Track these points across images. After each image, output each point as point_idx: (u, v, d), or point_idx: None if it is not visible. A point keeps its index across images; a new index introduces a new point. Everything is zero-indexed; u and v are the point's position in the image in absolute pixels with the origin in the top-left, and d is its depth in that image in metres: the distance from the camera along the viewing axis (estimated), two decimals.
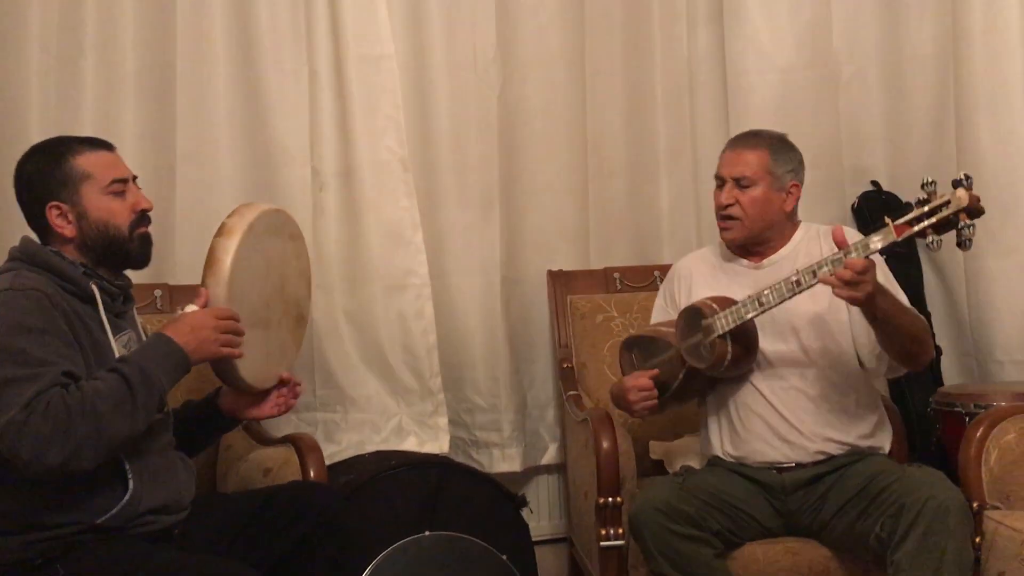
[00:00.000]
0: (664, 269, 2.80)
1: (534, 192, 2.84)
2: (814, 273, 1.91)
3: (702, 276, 2.26)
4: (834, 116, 2.87)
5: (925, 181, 1.81)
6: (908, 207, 2.74)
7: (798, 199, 2.20)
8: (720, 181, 2.20)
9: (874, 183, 2.89)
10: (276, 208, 2.02)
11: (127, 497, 1.72)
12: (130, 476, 1.73)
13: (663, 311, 2.33)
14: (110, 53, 2.54)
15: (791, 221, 2.22)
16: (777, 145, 2.20)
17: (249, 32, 2.63)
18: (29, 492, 1.67)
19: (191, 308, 1.80)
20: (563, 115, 2.84)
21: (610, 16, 2.89)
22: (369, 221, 2.66)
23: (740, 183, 2.15)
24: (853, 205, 2.88)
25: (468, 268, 2.77)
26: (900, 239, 1.82)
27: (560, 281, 2.80)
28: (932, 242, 1.80)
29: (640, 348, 2.23)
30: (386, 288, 2.67)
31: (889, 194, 2.87)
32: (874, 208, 2.83)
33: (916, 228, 1.80)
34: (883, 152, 2.90)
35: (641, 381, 2.14)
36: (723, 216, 2.18)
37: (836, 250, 1.89)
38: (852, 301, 1.89)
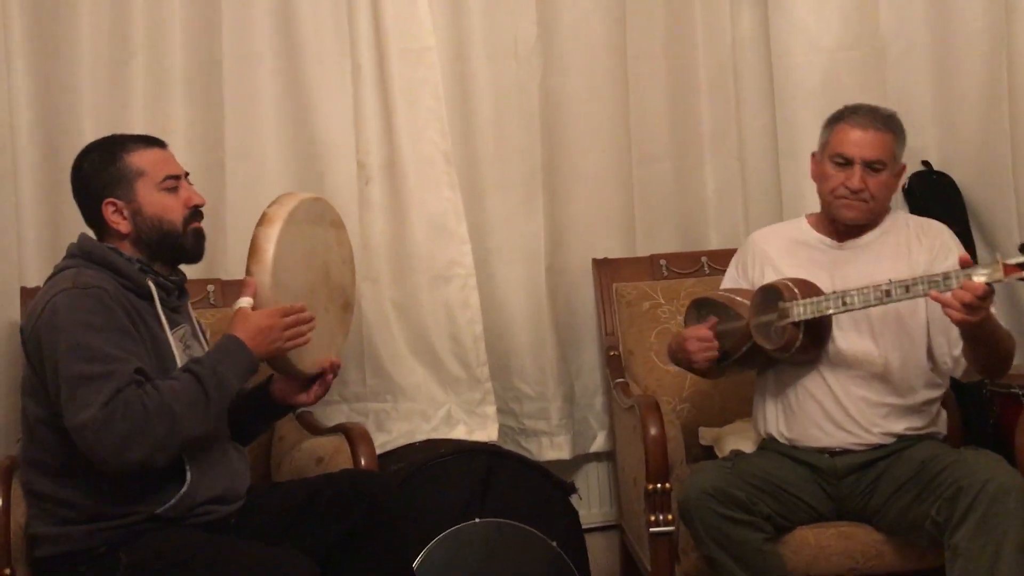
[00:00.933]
0: (711, 254, 2.79)
1: (577, 180, 2.83)
2: (907, 288, 1.87)
3: (778, 250, 2.22)
4: (882, 96, 2.80)
5: None
6: (959, 196, 2.73)
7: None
8: (844, 160, 2.08)
9: (925, 163, 2.83)
10: (316, 196, 2.05)
11: (185, 488, 1.77)
12: (188, 468, 1.78)
13: (734, 281, 2.30)
14: (158, 54, 2.58)
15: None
16: (899, 129, 2.14)
17: (292, 28, 2.65)
18: (94, 485, 1.73)
19: (245, 301, 1.84)
20: (605, 101, 2.83)
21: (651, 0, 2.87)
22: (413, 213, 2.68)
23: (873, 166, 2.08)
24: (904, 186, 2.82)
25: (512, 258, 2.78)
26: (1007, 280, 1.76)
27: (605, 269, 2.79)
28: None
29: (709, 310, 2.20)
30: (432, 279, 2.69)
31: (941, 174, 2.81)
32: (925, 189, 2.78)
33: None
34: (934, 131, 2.84)
35: (701, 331, 2.12)
36: (851, 199, 2.09)
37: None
38: (963, 324, 1.83)
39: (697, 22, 2.90)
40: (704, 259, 2.78)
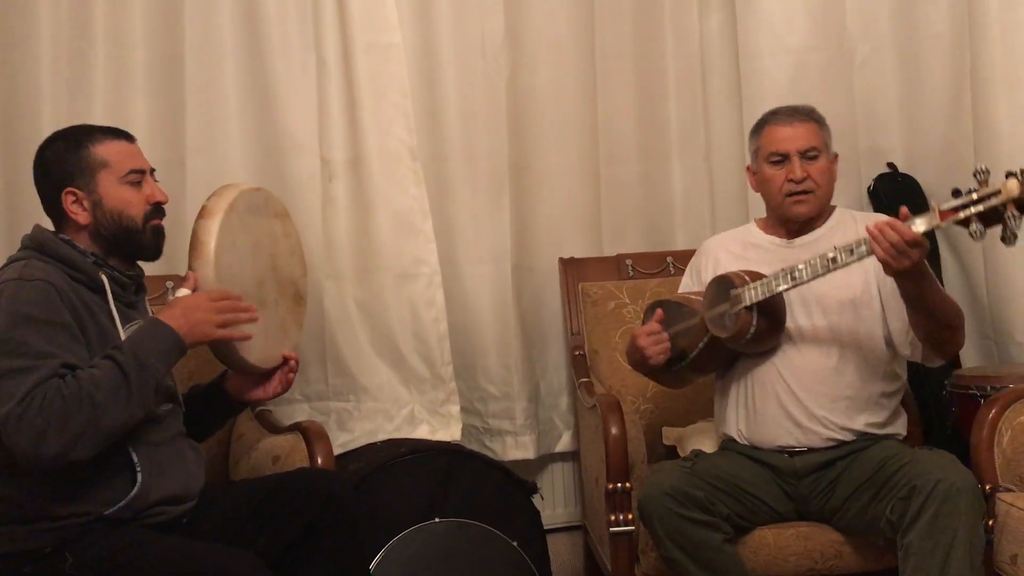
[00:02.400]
0: (677, 255, 2.79)
1: (544, 179, 2.83)
2: (851, 251, 1.88)
3: (729, 253, 2.24)
4: (849, 97, 2.83)
5: (978, 169, 1.76)
6: (923, 197, 2.75)
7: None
8: (781, 157, 2.13)
9: (890, 165, 2.85)
10: (256, 187, 2.02)
11: (135, 490, 1.74)
12: (139, 469, 1.75)
13: (688, 287, 2.31)
14: (119, 46, 2.55)
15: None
16: (821, 119, 2.19)
17: (256, 22, 2.63)
18: (38, 483, 1.69)
19: (183, 292, 1.81)
20: (573, 101, 2.83)
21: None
22: (379, 210, 2.66)
23: (807, 155, 2.12)
24: (869, 188, 2.83)
25: (479, 256, 2.77)
26: (944, 225, 1.77)
27: (572, 268, 2.79)
28: (975, 231, 1.74)
29: (665, 312, 2.21)
30: (397, 277, 2.67)
31: (905, 176, 2.82)
32: (890, 190, 2.79)
33: (962, 215, 1.75)
34: (899, 133, 2.85)
35: (649, 325, 2.12)
36: (799, 191, 2.12)
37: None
38: (892, 269, 1.83)
39: (665, 22, 2.90)
40: (670, 259, 2.78)
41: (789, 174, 2.11)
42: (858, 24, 2.84)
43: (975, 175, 1.76)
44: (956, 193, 1.78)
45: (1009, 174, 1.73)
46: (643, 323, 2.29)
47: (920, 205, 2.78)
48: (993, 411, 2.01)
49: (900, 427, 2.14)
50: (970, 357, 2.69)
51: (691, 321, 2.14)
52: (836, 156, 2.19)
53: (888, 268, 1.84)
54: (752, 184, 2.24)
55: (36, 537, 1.71)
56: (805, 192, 2.12)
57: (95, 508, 1.72)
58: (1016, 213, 1.72)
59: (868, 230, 1.83)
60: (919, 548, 1.81)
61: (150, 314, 1.97)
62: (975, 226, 1.75)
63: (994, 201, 1.73)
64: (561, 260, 2.80)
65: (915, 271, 1.84)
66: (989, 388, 2.24)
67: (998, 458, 1.98)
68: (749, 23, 2.81)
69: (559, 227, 2.84)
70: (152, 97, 2.60)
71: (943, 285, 2.71)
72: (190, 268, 1.83)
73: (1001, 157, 2.55)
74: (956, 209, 1.76)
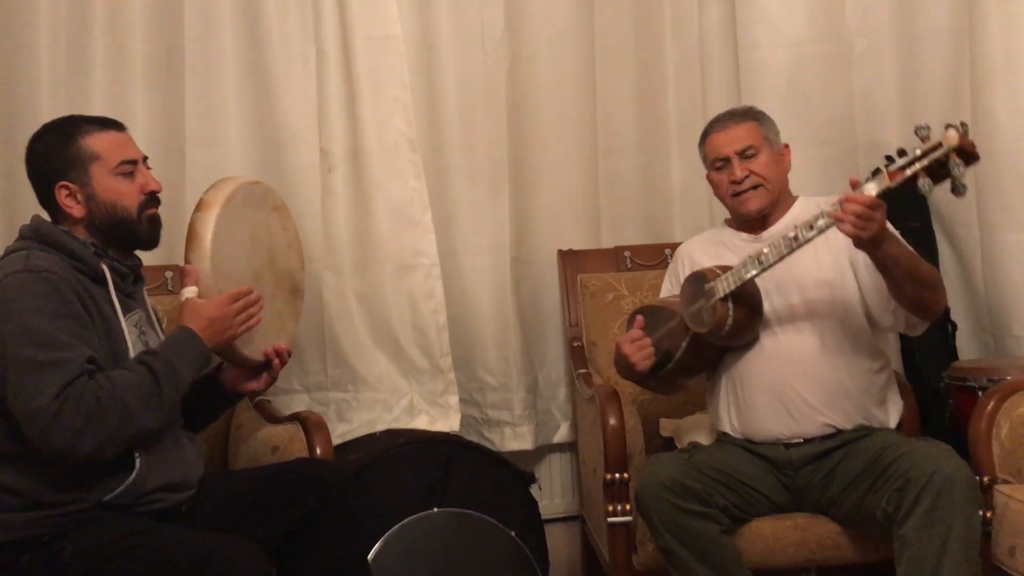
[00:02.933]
0: (675, 247, 2.77)
1: (543, 171, 2.83)
2: (811, 226, 1.91)
3: (703, 254, 2.27)
4: (847, 90, 2.83)
5: (919, 126, 1.79)
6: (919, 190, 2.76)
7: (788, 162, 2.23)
8: (722, 163, 2.20)
9: (888, 158, 2.82)
10: (255, 180, 2.02)
11: (133, 476, 1.74)
12: (137, 456, 1.75)
13: (668, 292, 2.33)
14: (119, 36, 2.55)
15: (787, 189, 2.24)
16: (758, 114, 2.23)
17: (256, 13, 2.63)
18: (37, 471, 1.70)
19: (190, 291, 1.82)
20: (572, 93, 2.83)
21: None
22: (378, 202, 2.66)
23: (745, 154, 2.16)
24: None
25: (478, 248, 2.77)
26: (894, 184, 1.80)
27: (570, 260, 2.79)
28: (924, 185, 1.78)
29: (647, 318, 2.22)
30: (396, 269, 2.67)
31: None
32: None
33: (908, 172, 1.79)
34: (897, 127, 2.84)
35: (631, 332, 2.14)
36: (743, 189, 2.17)
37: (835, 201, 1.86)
38: (859, 241, 1.85)
39: (665, 14, 2.90)
40: (668, 251, 2.77)
41: (731, 176, 2.16)
42: (857, 17, 2.83)
43: (916, 132, 1.79)
44: (901, 152, 1.82)
45: (948, 125, 1.77)
46: (626, 331, 2.31)
47: (917, 200, 2.78)
48: (991, 403, 2.02)
49: (894, 415, 2.15)
50: (967, 350, 2.70)
51: (672, 322, 2.15)
52: (786, 146, 2.22)
53: (859, 242, 1.86)
54: (714, 192, 2.28)
55: (34, 525, 1.71)
56: (753, 187, 2.17)
57: (94, 494, 1.73)
58: (960, 162, 1.76)
59: (828, 213, 1.86)
60: (915, 539, 1.81)
61: (148, 304, 1.98)
62: (923, 180, 1.78)
63: (937, 154, 1.76)
64: (560, 252, 2.81)
65: (883, 237, 1.85)
66: (987, 380, 2.25)
67: (996, 450, 1.98)
68: (748, 15, 2.80)
69: (558, 219, 2.84)
70: (151, 88, 2.60)
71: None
72: (187, 261, 1.84)
73: (1000, 149, 2.56)
74: (903, 168, 1.79)
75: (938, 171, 1.77)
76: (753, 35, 2.80)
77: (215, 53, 2.62)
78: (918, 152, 1.78)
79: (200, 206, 1.86)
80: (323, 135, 2.66)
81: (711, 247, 2.27)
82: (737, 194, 2.18)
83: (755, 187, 2.16)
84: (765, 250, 1.98)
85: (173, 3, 2.59)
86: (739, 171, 2.16)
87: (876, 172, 1.83)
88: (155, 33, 2.59)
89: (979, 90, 2.63)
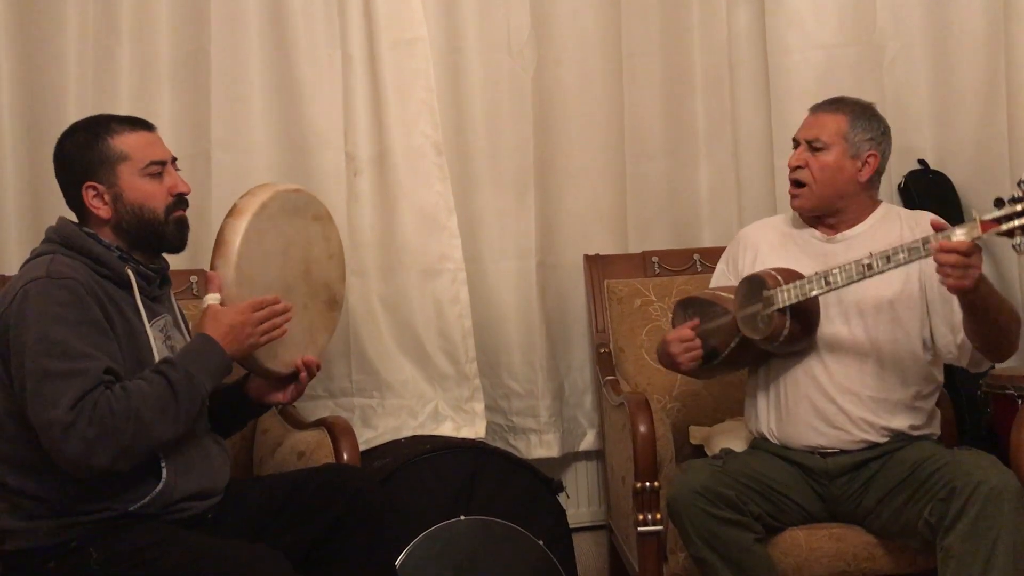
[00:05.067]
0: (704, 252, 2.76)
1: (570, 175, 2.80)
2: (888, 258, 1.83)
3: (769, 244, 2.20)
4: (879, 94, 2.77)
5: (1022, 180, 1.70)
6: (954, 194, 2.70)
7: (876, 171, 2.13)
8: (795, 144, 2.14)
9: (921, 162, 2.81)
10: (296, 188, 1.97)
11: (160, 487, 1.73)
12: (163, 465, 1.73)
13: (723, 276, 2.27)
14: (145, 40, 2.56)
15: (868, 195, 2.15)
16: (858, 111, 2.13)
17: (282, 17, 2.62)
18: (64, 480, 1.68)
19: (212, 298, 1.78)
20: (599, 97, 2.80)
21: None
22: (403, 206, 2.64)
23: (813, 145, 2.10)
24: (899, 185, 2.79)
25: (503, 253, 2.74)
26: (984, 235, 1.72)
27: (597, 265, 2.76)
28: (1019, 244, 1.69)
29: (695, 309, 2.18)
30: (421, 273, 2.65)
31: (937, 173, 2.78)
32: (921, 188, 2.75)
33: (1004, 227, 1.69)
34: (930, 130, 2.81)
35: (682, 332, 2.09)
36: (792, 181, 2.12)
37: (917, 236, 1.81)
38: (958, 288, 1.78)
39: (693, 17, 2.87)
40: (696, 256, 2.75)
41: (790, 160, 2.13)
42: (889, 20, 2.80)
43: (1020, 184, 1.70)
44: (999, 203, 1.72)
45: None
46: (672, 321, 2.27)
47: (952, 202, 2.73)
48: None
49: (935, 426, 2.11)
50: None
51: (722, 320, 2.11)
52: (870, 155, 2.10)
53: (960, 288, 1.78)
54: None
55: (61, 532, 1.70)
56: (797, 184, 2.11)
57: (121, 504, 1.71)
58: None
59: (934, 256, 1.76)
60: (960, 551, 1.77)
61: (176, 307, 1.96)
62: (1019, 239, 1.69)
63: None
64: (586, 257, 2.78)
65: (979, 281, 1.78)
66: None
67: None
68: (778, 18, 2.77)
69: (584, 224, 2.81)
70: (177, 92, 2.60)
71: None
72: (212, 267, 1.80)
73: None
74: (998, 220, 1.71)
75: None
76: (783, 38, 2.77)
77: (241, 57, 2.61)
78: (1019, 208, 1.69)
79: (232, 212, 1.82)
80: (349, 139, 2.65)
81: (778, 239, 2.20)
82: (790, 183, 2.13)
83: (799, 184, 2.10)
84: (835, 271, 1.91)
85: (199, 7, 2.59)
86: (794, 159, 2.11)
87: (957, 204, 1.76)
88: (181, 37, 2.59)
89: (1015, 94, 2.58)
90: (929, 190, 2.73)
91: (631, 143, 2.84)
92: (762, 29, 2.82)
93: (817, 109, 2.15)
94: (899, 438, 2.04)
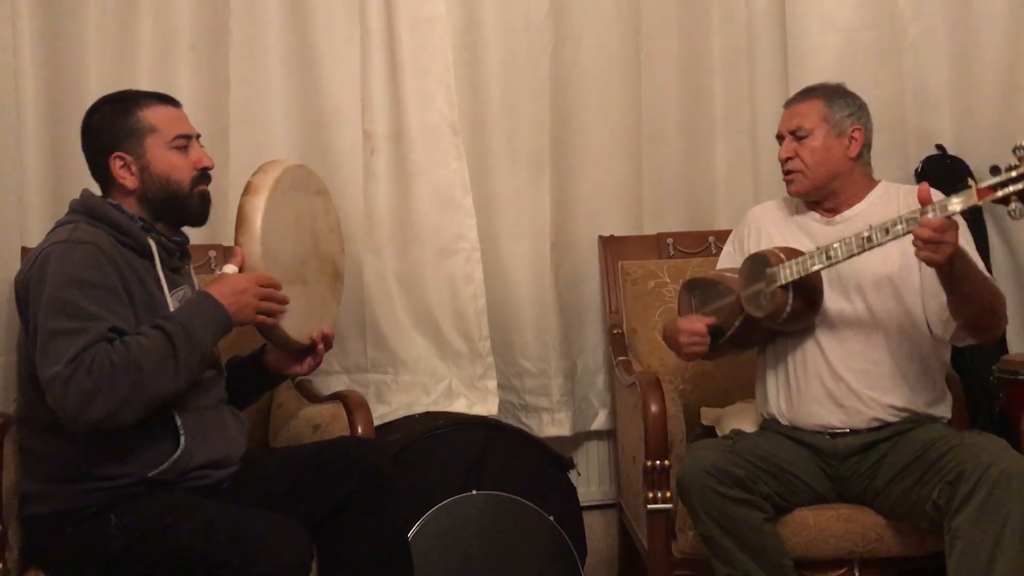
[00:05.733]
0: (719, 234, 2.76)
1: (586, 156, 2.80)
2: (887, 230, 1.84)
3: (775, 225, 2.23)
4: (898, 77, 2.78)
5: (1017, 145, 1.71)
6: (968, 172, 2.69)
7: (865, 145, 2.15)
8: (779, 139, 2.19)
9: (939, 147, 2.79)
10: (299, 164, 2.03)
11: (178, 453, 1.76)
12: (182, 432, 1.77)
13: (731, 257, 2.29)
14: (165, 17, 2.57)
15: (862, 172, 2.16)
16: (832, 92, 2.16)
17: None
18: (84, 445, 1.72)
19: (230, 268, 1.82)
20: (617, 77, 2.79)
21: None
22: (419, 184, 2.65)
23: (797, 135, 2.13)
24: (916, 169, 2.78)
25: (518, 232, 2.75)
26: (982, 202, 1.73)
27: (611, 246, 2.77)
28: (1014, 210, 1.71)
29: (700, 290, 2.20)
30: (436, 252, 2.66)
31: (954, 158, 2.77)
32: (938, 172, 2.74)
33: (1000, 193, 1.70)
34: (949, 115, 2.79)
35: (696, 326, 2.11)
36: (785, 171, 2.16)
37: (915, 208, 1.83)
38: (930, 262, 1.81)
39: None
40: (711, 239, 2.75)
41: (779, 155, 2.17)
42: (910, 3, 2.78)
43: (1014, 151, 1.72)
44: (995, 170, 1.74)
45: None
46: (679, 304, 2.28)
47: (964, 183, 2.72)
48: None
49: (945, 408, 2.11)
50: (1017, 342, 2.65)
51: (727, 299, 2.12)
52: (853, 129, 2.12)
53: (932, 262, 1.81)
54: None
55: (81, 497, 1.74)
56: (790, 172, 2.14)
57: (139, 470, 1.75)
58: None
59: (915, 236, 1.79)
60: (967, 533, 1.78)
61: (195, 281, 1.99)
62: (1015, 204, 1.71)
63: None
64: (601, 238, 2.78)
65: (953, 256, 1.80)
66: None
67: None
68: (797, 0, 2.76)
69: (599, 205, 2.81)
70: (197, 68, 2.61)
71: (991, 268, 2.69)
72: (237, 243, 1.84)
73: None
74: (994, 187, 1.72)
75: None
76: (802, 20, 2.76)
77: (260, 33, 2.62)
78: (1013, 174, 1.70)
79: (249, 189, 1.86)
80: (366, 116, 2.66)
81: (783, 220, 2.23)
82: (784, 175, 2.17)
83: (792, 172, 2.14)
84: (836, 245, 1.93)
85: None
86: (783, 151, 2.16)
87: (964, 187, 1.76)
88: (201, 13, 2.60)
89: None
90: (946, 176, 2.71)
91: (648, 124, 2.83)
92: (781, 11, 2.80)
93: (791, 102, 2.20)
94: (909, 419, 2.05)
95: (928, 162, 2.77)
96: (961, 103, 2.79)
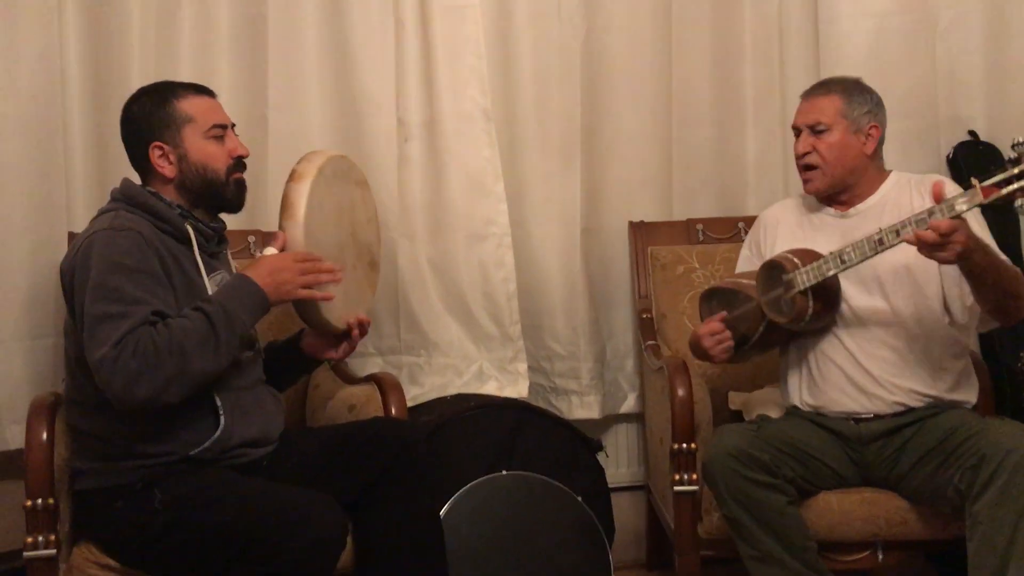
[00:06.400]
0: (749, 221, 2.76)
1: (616, 142, 2.82)
2: (897, 232, 1.86)
3: (787, 226, 2.25)
4: (931, 63, 2.77)
5: (1016, 142, 1.73)
6: (1002, 162, 2.68)
7: (879, 141, 2.17)
8: (796, 132, 2.19)
9: (971, 133, 2.78)
10: (341, 154, 2.08)
11: (219, 432, 1.82)
12: (222, 412, 1.83)
13: (748, 261, 2.32)
14: (205, 6, 2.61)
15: (876, 166, 2.18)
16: (850, 88, 2.17)
17: None
18: (129, 424, 1.79)
19: (270, 251, 1.88)
20: (647, 64, 2.81)
21: None
22: (452, 171, 2.69)
23: (815, 129, 2.14)
24: (948, 156, 2.78)
25: (549, 218, 2.78)
26: (987, 201, 1.74)
27: (641, 232, 2.79)
28: (1021, 206, 1.73)
29: (720, 299, 2.23)
30: (468, 237, 2.70)
31: (987, 144, 2.76)
32: (970, 159, 2.73)
33: (1004, 191, 1.72)
34: (982, 101, 2.78)
35: (712, 325, 2.14)
36: (803, 167, 2.17)
37: (928, 202, 1.85)
38: (940, 261, 1.83)
39: None
40: (741, 225, 2.76)
41: (795, 148, 2.17)
42: None
43: (1013, 147, 1.73)
44: (1002, 162, 1.75)
45: None
46: (700, 315, 2.31)
47: (995, 169, 2.71)
48: None
49: (970, 394, 2.12)
50: None
51: (748, 306, 2.15)
52: (874, 126, 2.14)
53: (943, 261, 1.82)
54: None
55: (127, 474, 1.81)
56: (808, 168, 2.14)
57: (181, 448, 1.82)
58: None
59: (907, 239, 1.81)
60: (988, 517, 1.80)
61: (232, 265, 2.05)
62: (1020, 200, 1.72)
63: None
64: (631, 223, 2.81)
65: (967, 252, 1.81)
66: None
67: None
68: None
69: (630, 190, 2.84)
70: (236, 56, 2.65)
71: (1022, 255, 2.68)
72: (280, 228, 1.90)
73: None
74: (998, 185, 1.73)
75: None
76: (834, 5, 2.75)
77: (297, 22, 2.66)
78: (1016, 171, 1.71)
79: (294, 176, 1.91)
80: (400, 104, 2.69)
81: (796, 219, 2.25)
82: (800, 172, 2.18)
83: (811, 168, 2.14)
84: (849, 249, 1.95)
85: None
86: (801, 146, 2.16)
87: (969, 186, 1.76)
88: (239, 4, 2.65)
89: None
90: (978, 162, 2.71)
91: (678, 110, 2.84)
92: None
93: (809, 94, 2.20)
94: (932, 404, 2.07)
95: (960, 148, 2.76)
96: (994, 89, 2.77)
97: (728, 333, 2.13)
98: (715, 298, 2.26)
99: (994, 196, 1.73)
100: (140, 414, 1.75)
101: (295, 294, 1.87)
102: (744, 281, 2.21)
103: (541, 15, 2.74)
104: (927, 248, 1.79)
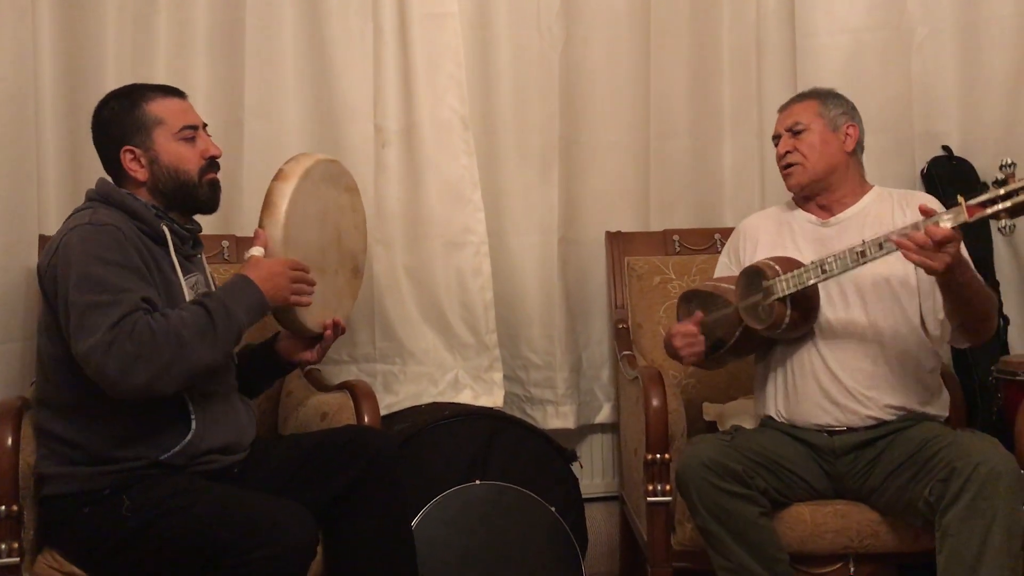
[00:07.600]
0: (725, 232, 2.78)
1: (594, 152, 2.83)
2: (880, 245, 1.87)
3: (767, 234, 2.26)
4: (906, 79, 2.80)
5: (1004, 163, 1.74)
6: (977, 182, 2.71)
7: (859, 142, 2.20)
8: (776, 138, 2.24)
9: (945, 148, 2.81)
10: (333, 159, 2.07)
11: (189, 437, 1.81)
12: (193, 417, 1.82)
13: (726, 268, 2.33)
14: (182, 10, 2.60)
15: (857, 172, 2.21)
16: (824, 94, 2.23)
17: None
18: (101, 427, 1.77)
19: (257, 251, 1.88)
20: (626, 74, 2.82)
21: None
22: (429, 178, 2.69)
23: (794, 131, 2.18)
24: (922, 171, 2.80)
25: (526, 227, 2.79)
26: (972, 220, 1.75)
27: (618, 242, 2.80)
28: (1005, 227, 1.74)
29: (698, 302, 2.23)
30: (445, 245, 2.70)
31: (960, 160, 2.79)
32: (944, 174, 2.76)
33: (989, 211, 1.73)
34: (956, 117, 2.81)
35: (686, 327, 2.14)
36: (783, 165, 2.20)
37: (910, 217, 1.86)
38: (926, 270, 1.84)
39: None
40: (717, 236, 2.77)
41: (777, 153, 2.23)
42: (919, 4, 2.79)
43: (1001, 168, 1.74)
44: (984, 187, 1.77)
45: None
46: (677, 316, 2.31)
47: (974, 190, 2.73)
48: None
49: (942, 407, 2.14)
50: (1019, 344, 2.66)
51: (725, 311, 2.16)
52: (851, 126, 2.19)
53: (929, 270, 1.83)
54: None
55: (95, 479, 1.79)
56: (790, 165, 2.19)
57: (151, 453, 1.80)
58: None
59: (893, 240, 1.83)
60: (956, 530, 1.81)
61: (207, 269, 2.04)
62: (1004, 221, 1.74)
63: (1022, 196, 1.71)
64: (608, 234, 2.82)
65: (954, 266, 1.82)
66: None
67: None
68: (807, 1, 2.78)
69: (607, 201, 2.85)
70: (213, 61, 2.65)
71: (994, 271, 2.71)
72: (260, 226, 1.89)
73: None
74: (983, 204, 1.74)
75: (1019, 211, 1.72)
76: (811, 20, 2.78)
77: (275, 27, 2.66)
78: (1002, 192, 1.72)
79: (279, 176, 1.92)
80: (378, 111, 2.69)
81: (775, 227, 2.26)
82: (782, 170, 2.22)
83: (792, 165, 2.18)
84: (831, 259, 1.96)
85: None
86: (781, 147, 2.21)
87: (954, 204, 1.77)
88: (217, 6, 2.64)
89: None
90: (952, 177, 2.74)
91: (656, 122, 2.86)
92: (791, 10, 2.82)
93: (785, 106, 2.27)
94: (905, 417, 2.08)
95: (934, 163, 2.79)
96: (968, 105, 2.80)
97: (701, 337, 2.13)
98: (694, 300, 2.26)
99: (978, 216, 1.74)
100: (111, 417, 1.74)
101: (286, 300, 1.89)
102: (724, 285, 2.22)
103: (520, 24, 2.75)
104: (918, 252, 1.79)
